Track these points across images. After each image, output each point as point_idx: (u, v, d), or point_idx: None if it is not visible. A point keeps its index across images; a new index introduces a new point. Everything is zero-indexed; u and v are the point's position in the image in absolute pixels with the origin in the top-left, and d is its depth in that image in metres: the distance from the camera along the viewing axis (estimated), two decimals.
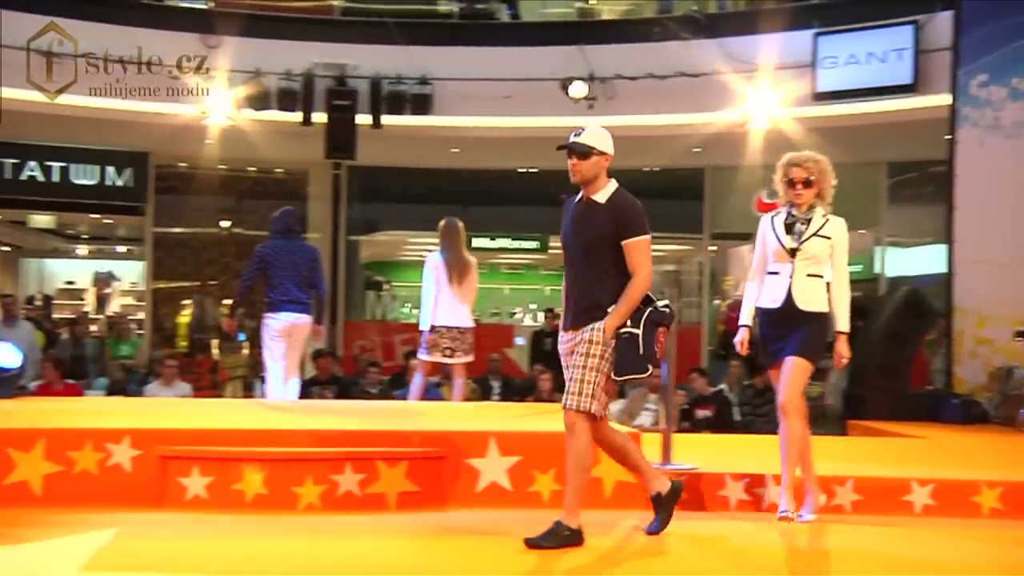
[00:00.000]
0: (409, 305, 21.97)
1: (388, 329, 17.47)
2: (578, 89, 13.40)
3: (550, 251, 20.70)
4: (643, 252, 5.70)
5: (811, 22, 13.47)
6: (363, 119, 13.80)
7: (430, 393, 11.65)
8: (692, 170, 17.07)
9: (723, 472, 6.88)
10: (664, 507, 5.83)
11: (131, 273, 20.89)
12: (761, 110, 13.48)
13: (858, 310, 14.93)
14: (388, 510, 6.46)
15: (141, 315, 17.87)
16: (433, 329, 9.51)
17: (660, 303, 5.70)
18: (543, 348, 15.03)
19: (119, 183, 16.10)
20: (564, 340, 5.76)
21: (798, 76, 13.31)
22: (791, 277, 6.37)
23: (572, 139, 5.75)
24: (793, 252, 6.39)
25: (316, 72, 13.63)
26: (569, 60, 13.67)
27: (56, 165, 15.73)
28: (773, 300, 6.41)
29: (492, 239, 20.16)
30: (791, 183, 6.48)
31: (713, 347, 16.77)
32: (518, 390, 13.38)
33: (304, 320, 9.55)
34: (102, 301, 21.29)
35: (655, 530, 5.81)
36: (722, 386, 12.50)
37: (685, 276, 20.24)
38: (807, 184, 6.46)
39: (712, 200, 16.97)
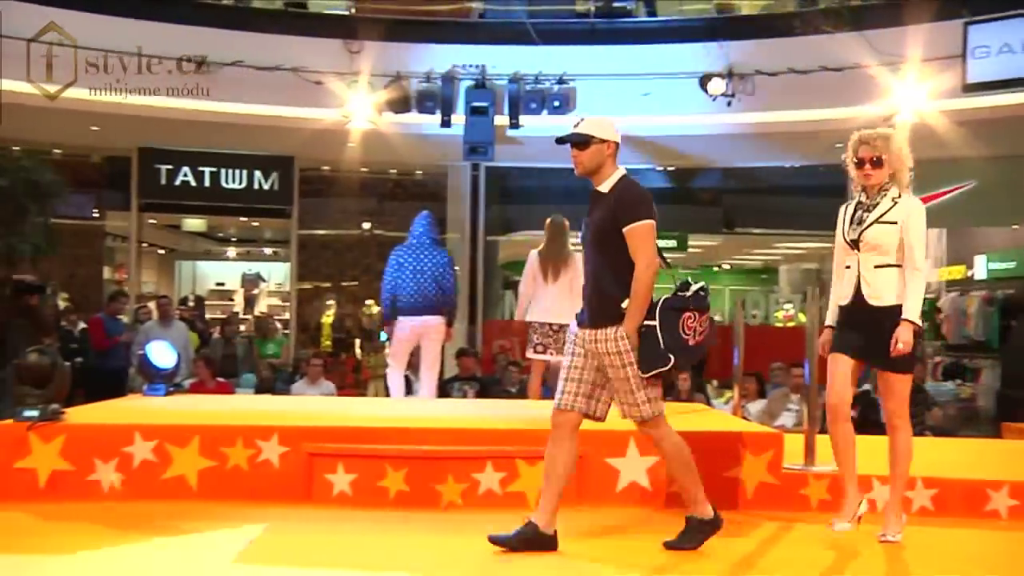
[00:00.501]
0: None
1: (527, 329, 17.41)
2: (717, 86, 13.25)
3: (689, 250, 20.60)
4: (642, 239, 5.37)
5: (960, 12, 13.07)
6: (501, 120, 13.86)
7: None
8: (835, 167, 16.68)
9: (869, 475, 6.69)
10: (525, 539, 5.39)
11: (277, 274, 21.38)
12: (907, 104, 13.12)
13: (1012, 308, 14.61)
14: (529, 508, 6.49)
15: (286, 315, 18.25)
16: (529, 325, 9.64)
17: (696, 286, 5.45)
18: None
19: (266, 187, 16.45)
20: (579, 333, 5.55)
21: (946, 67, 12.90)
22: (859, 270, 5.88)
23: (571, 130, 5.61)
24: (856, 244, 5.90)
25: (455, 74, 13.74)
26: (708, 56, 13.54)
27: (207, 170, 16.17)
28: (844, 296, 5.96)
29: None
30: (859, 163, 5.93)
31: None
32: None
33: (432, 321, 9.68)
34: (250, 301, 21.81)
35: (497, 539, 5.39)
36: (867, 386, 12.23)
37: (828, 275, 19.87)
38: (876, 164, 5.87)
39: None
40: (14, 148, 13.85)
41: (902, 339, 5.66)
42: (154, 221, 18.81)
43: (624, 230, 5.37)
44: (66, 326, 14.19)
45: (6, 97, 12.31)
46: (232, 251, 23.14)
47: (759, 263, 25.27)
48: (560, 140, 5.67)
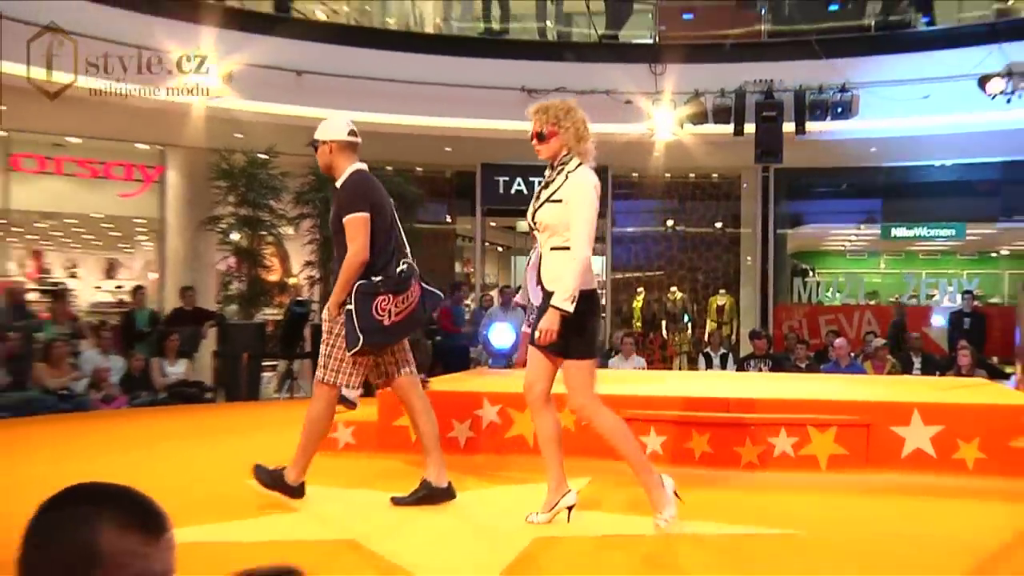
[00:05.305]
0: (832, 289, 21.48)
1: (814, 311, 17.05)
2: (996, 85, 12.39)
3: (967, 238, 19.56)
4: (353, 228, 5.11)
5: None
6: (788, 127, 13.54)
7: (855, 368, 11.39)
8: None
9: None
10: (422, 493, 5.27)
11: (595, 266, 21.54)
12: None
13: None
14: (819, 471, 6.38)
15: (603, 300, 18.44)
16: None
17: (399, 271, 5.17)
18: (962, 327, 14.15)
19: None
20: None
21: None
22: (539, 252, 4.83)
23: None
24: (533, 224, 4.80)
25: (747, 89, 13.53)
26: (987, 58, 12.67)
27: (536, 180, 16.27)
28: (534, 280, 4.98)
29: (909, 228, 19.36)
30: (531, 137, 4.85)
31: None
32: (937, 365, 12.70)
33: None
34: None
35: (398, 500, 5.28)
36: None
37: None
38: (540, 138, 4.79)
39: None
40: (387, 167, 14.66)
41: (542, 327, 4.59)
42: (494, 224, 19.41)
43: (343, 220, 5.16)
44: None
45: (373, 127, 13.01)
46: None
47: None
48: (307, 144, 5.48)
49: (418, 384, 5.51)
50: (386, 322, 5.12)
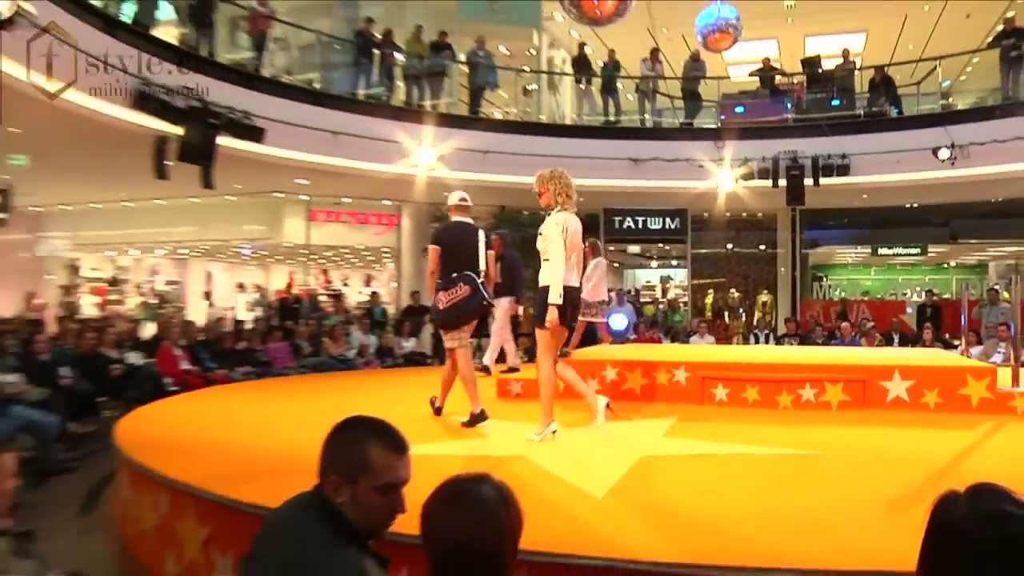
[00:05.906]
0: (839, 290, 20.70)
1: (827, 305, 16.38)
2: (944, 154, 11.79)
3: (928, 254, 18.62)
4: (428, 255, 5.48)
5: None
6: (808, 181, 13.01)
7: (855, 342, 10.81)
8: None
9: None
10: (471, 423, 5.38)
11: (679, 275, 21.18)
12: None
13: None
14: (831, 412, 6.12)
15: (685, 299, 18.04)
16: None
17: (456, 275, 5.30)
18: (925, 314, 13.44)
19: (672, 226, 16.18)
20: None
21: None
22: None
23: None
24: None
25: (779, 157, 13.06)
26: (937, 136, 12.02)
27: (640, 219, 16.02)
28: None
29: (890, 248, 18.61)
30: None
31: None
32: (909, 340, 12.03)
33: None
34: (664, 292, 21.79)
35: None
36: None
37: None
38: (538, 195, 5.00)
39: None
40: (523, 212, 14.74)
41: (548, 318, 4.79)
42: (612, 248, 19.21)
43: None
44: None
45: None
46: (654, 263, 23.17)
47: (975, 261, 22.42)
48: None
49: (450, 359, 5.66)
50: (441, 306, 5.37)
